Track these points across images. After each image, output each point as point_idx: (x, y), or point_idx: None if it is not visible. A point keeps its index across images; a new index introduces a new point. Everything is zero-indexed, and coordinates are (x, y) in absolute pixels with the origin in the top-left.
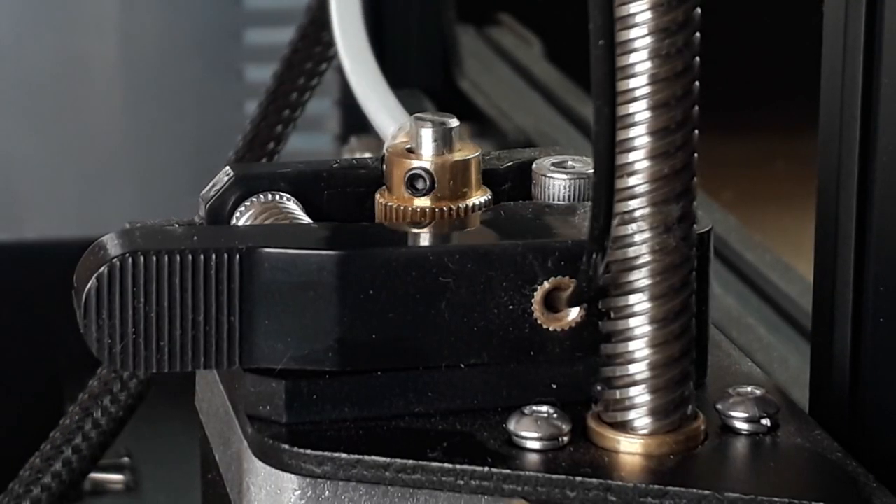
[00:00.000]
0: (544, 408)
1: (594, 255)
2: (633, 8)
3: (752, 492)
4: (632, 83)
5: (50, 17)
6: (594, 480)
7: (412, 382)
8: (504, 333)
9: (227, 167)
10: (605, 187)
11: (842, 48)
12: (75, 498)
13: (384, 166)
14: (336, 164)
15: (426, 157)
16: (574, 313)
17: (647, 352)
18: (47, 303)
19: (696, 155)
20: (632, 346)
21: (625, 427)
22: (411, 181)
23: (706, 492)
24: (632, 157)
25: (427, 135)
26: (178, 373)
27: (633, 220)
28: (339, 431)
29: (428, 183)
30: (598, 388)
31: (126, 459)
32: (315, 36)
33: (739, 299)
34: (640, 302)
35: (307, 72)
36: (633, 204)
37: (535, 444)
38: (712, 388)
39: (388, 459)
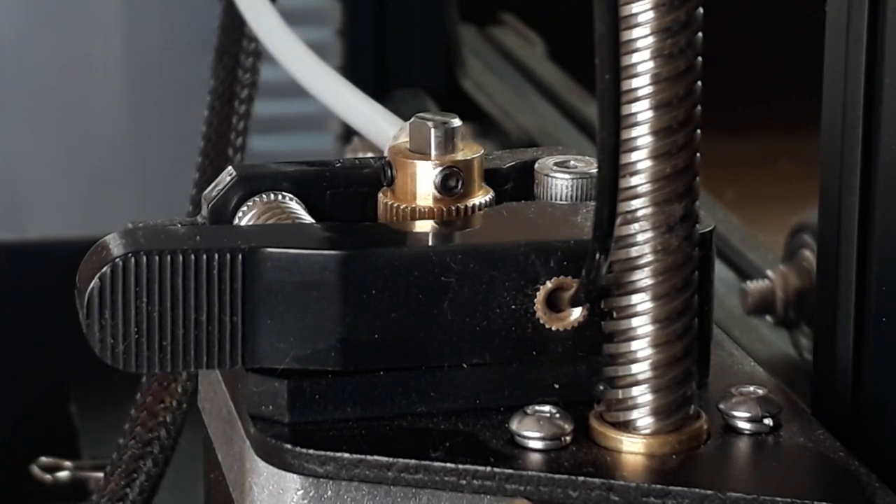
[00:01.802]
0: (546, 407)
1: (597, 256)
2: (635, 8)
3: (754, 491)
4: (634, 83)
5: (52, 17)
6: (596, 480)
7: (414, 382)
8: (506, 333)
9: (230, 167)
10: (608, 190)
11: (844, 47)
12: (80, 498)
13: (392, 167)
14: (338, 164)
15: (432, 157)
16: (576, 313)
17: (649, 351)
18: (50, 302)
19: (698, 155)
20: (634, 345)
21: (627, 427)
22: (445, 180)
23: (709, 491)
24: (634, 156)
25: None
26: (181, 372)
27: (636, 220)
28: (341, 431)
29: (461, 181)
30: (601, 387)
31: None
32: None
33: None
34: (642, 301)
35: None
36: (635, 203)
37: (538, 444)
38: (715, 388)
39: (390, 459)
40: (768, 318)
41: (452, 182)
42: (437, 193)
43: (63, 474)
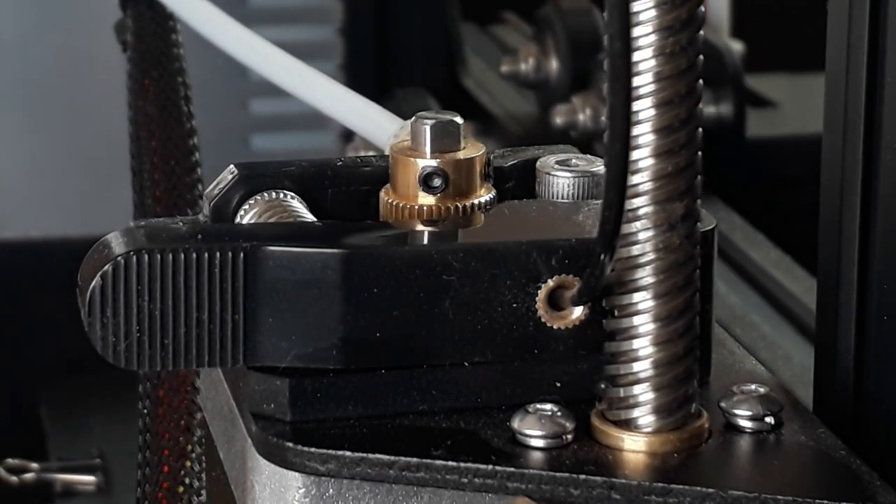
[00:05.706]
0: (548, 406)
1: (602, 256)
2: (637, 6)
3: (755, 490)
4: (636, 81)
5: (53, 17)
6: (598, 478)
7: (416, 380)
8: (508, 332)
9: (232, 165)
10: (615, 191)
11: (846, 45)
12: (46, 499)
13: (447, 172)
14: (340, 163)
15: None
16: (578, 311)
17: (650, 350)
18: (52, 302)
19: (699, 153)
20: (636, 343)
21: (629, 425)
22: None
23: (710, 490)
24: (636, 155)
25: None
26: (182, 371)
27: (638, 218)
28: (343, 429)
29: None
30: (602, 386)
31: (97, 460)
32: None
33: (743, 297)
34: (643, 300)
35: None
36: (637, 202)
37: (539, 443)
38: (716, 386)
39: (392, 457)
40: (572, 133)
41: (490, 171)
42: (484, 184)
43: (29, 476)
